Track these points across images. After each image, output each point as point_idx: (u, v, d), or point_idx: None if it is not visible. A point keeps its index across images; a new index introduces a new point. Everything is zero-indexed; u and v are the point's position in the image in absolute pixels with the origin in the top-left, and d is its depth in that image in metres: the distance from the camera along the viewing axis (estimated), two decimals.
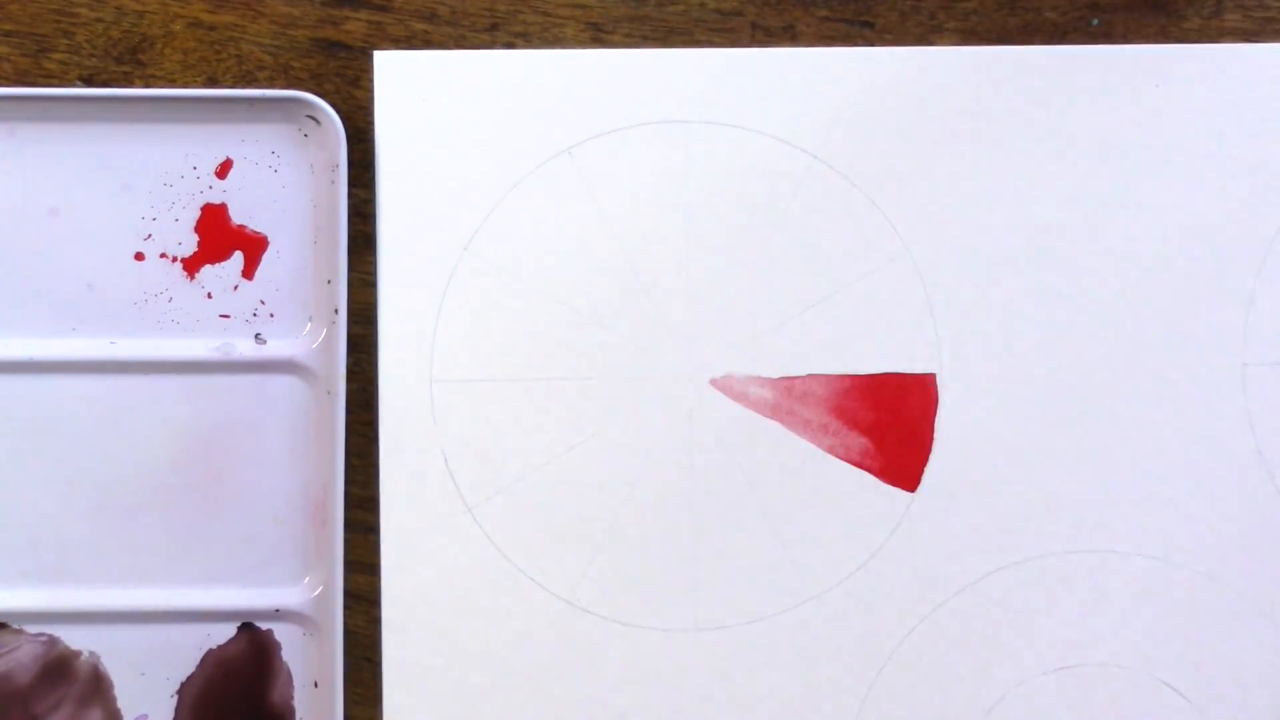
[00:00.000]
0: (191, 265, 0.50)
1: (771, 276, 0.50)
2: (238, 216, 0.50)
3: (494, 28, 0.50)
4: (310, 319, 0.50)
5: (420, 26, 0.50)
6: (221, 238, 0.50)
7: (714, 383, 0.50)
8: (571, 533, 0.50)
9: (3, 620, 0.50)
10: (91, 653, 0.50)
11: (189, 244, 0.50)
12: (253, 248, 0.50)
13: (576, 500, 0.50)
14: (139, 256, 0.50)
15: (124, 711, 0.50)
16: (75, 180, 0.49)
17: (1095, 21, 0.51)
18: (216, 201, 0.50)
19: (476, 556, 0.50)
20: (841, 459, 0.50)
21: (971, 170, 0.50)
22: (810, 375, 0.50)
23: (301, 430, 0.50)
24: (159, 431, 0.50)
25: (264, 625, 0.50)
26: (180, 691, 0.50)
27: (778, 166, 0.50)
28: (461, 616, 0.50)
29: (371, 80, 0.50)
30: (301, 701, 0.50)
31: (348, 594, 0.49)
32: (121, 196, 0.50)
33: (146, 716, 0.50)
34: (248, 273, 0.50)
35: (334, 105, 0.49)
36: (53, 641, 0.50)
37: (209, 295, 0.50)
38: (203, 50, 0.50)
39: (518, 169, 0.50)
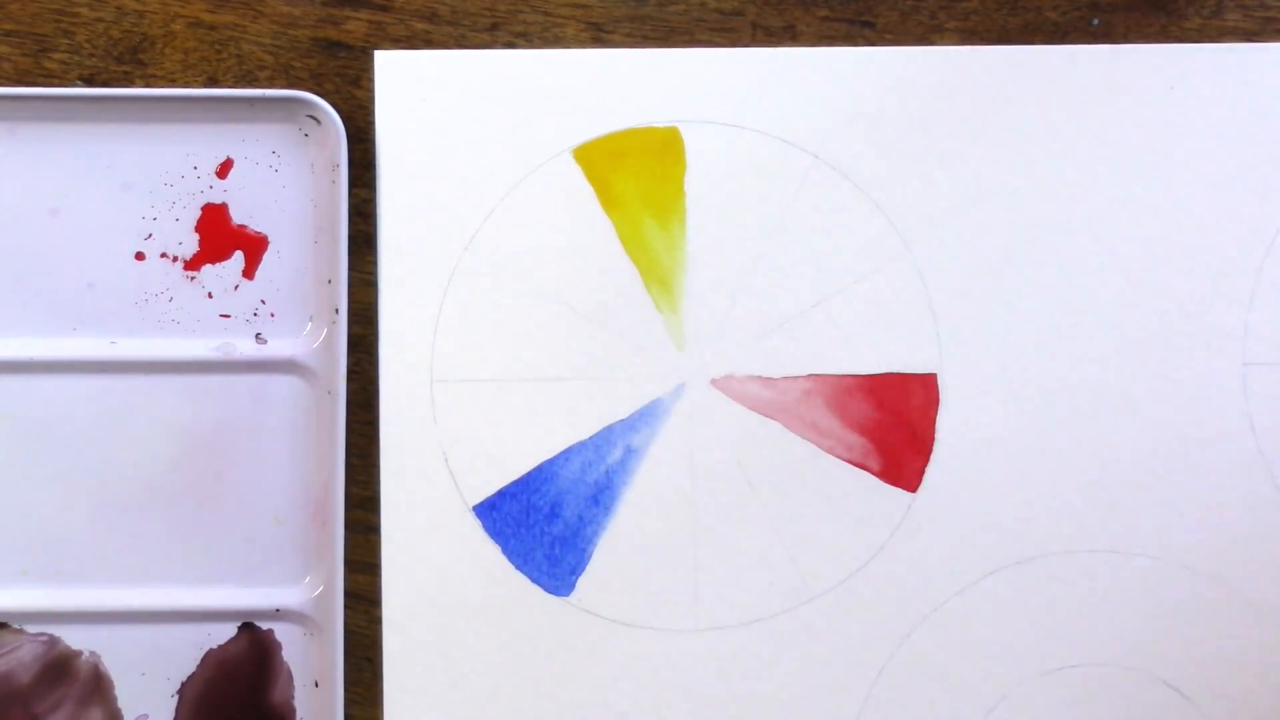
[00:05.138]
0: (192, 265, 0.50)
1: (772, 276, 0.50)
2: (238, 216, 0.50)
3: (494, 28, 0.50)
4: (310, 319, 0.50)
5: (421, 26, 0.50)
6: (222, 237, 0.50)
7: (714, 383, 0.50)
8: (571, 533, 0.50)
9: (3, 620, 0.49)
10: (92, 652, 0.50)
11: (189, 244, 0.50)
12: (253, 247, 0.50)
13: (576, 500, 0.50)
14: (139, 256, 0.50)
15: (124, 711, 0.50)
16: (75, 180, 0.49)
17: (1096, 21, 0.51)
18: (217, 201, 0.50)
19: (476, 556, 0.50)
20: (842, 459, 0.50)
21: (972, 170, 0.50)
22: (810, 375, 0.50)
23: (301, 430, 0.50)
24: (159, 431, 0.50)
25: (264, 625, 0.50)
26: (181, 691, 0.50)
27: (778, 166, 0.50)
28: (461, 616, 0.50)
29: (372, 80, 0.50)
30: (302, 701, 0.50)
31: (348, 594, 0.49)
32: (122, 196, 0.50)
33: (147, 716, 0.50)
34: (248, 272, 0.50)
35: (334, 105, 0.49)
36: (53, 641, 0.50)
37: (209, 295, 0.50)
38: (203, 50, 0.50)
39: (518, 169, 0.50)
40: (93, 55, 0.50)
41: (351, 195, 0.50)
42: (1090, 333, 0.50)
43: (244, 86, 0.50)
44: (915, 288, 0.50)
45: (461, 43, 0.50)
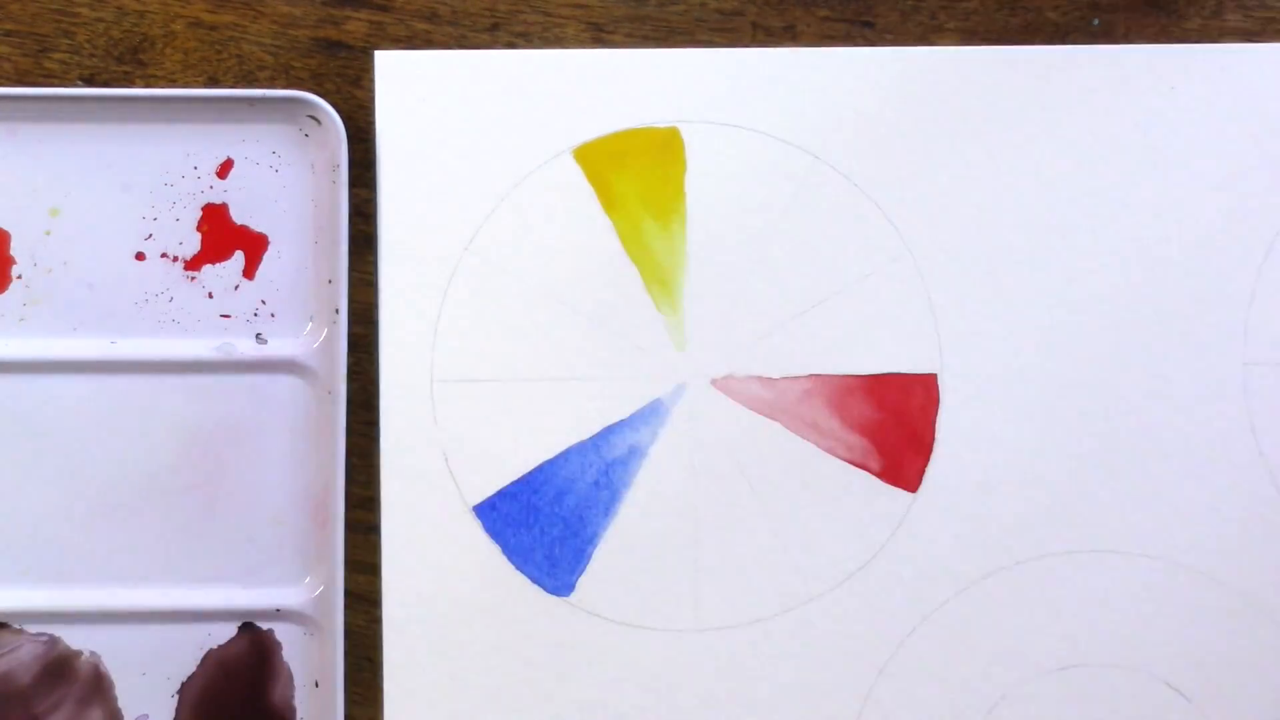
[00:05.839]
0: (192, 265, 0.50)
1: (772, 276, 0.50)
2: (239, 216, 0.50)
3: (495, 28, 0.50)
4: (311, 319, 0.50)
5: (421, 26, 0.50)
6: (222, 237, 0.50)
7: (714, 383, 0.50)
8: (571, 533, 0.50)
9: (3, 620, 0.49)
10: (92, 652, 0.50)
11: (190, 244, 0.50)
12: (253, 247, 0.50)
13: (577, 500, 0.50)
14: (140, 256, 0.50)
15: (125, 711, 0.50)
16: (75, 180, 0.49)
17: (1096, 21, 0.51)
18: (217, 201, 0.50)
19: (476, 556, 0.50)
20: (842, 459, 0.50)
21: (971, 170, 0.50)
22: (811, 375, 0.50)
23: (302, 430, 0.50)
24: (159, 431, 0.50)
25: (264, 625, 0.50)
26: (181, 691, 0.50)
27: (778, 166, 0.50)
28: (461, 616, 0.50)
29: (372, 80, 0.50)
30: (302, 701, 0.50)
31: (348, 594, 0.49)
32: (122, 196, 0.50)
33: (147, 716, 0.50)
34: (248, 272, 0.50)
35: (335, 105, 0.49)
36: (53, 641, 0.50)
37: (210, 295, 0.50)
38: (203, 50, 0.50)
39: (518, 169, 0.50)
40: (93, 55, 0.50)
41: (351, 195, 0.50)
42: (1090, 333, 0.50)
43: (244, 86, 0.50)
44: (915, 288, 0.50)
45: (462, 43, 0.50)
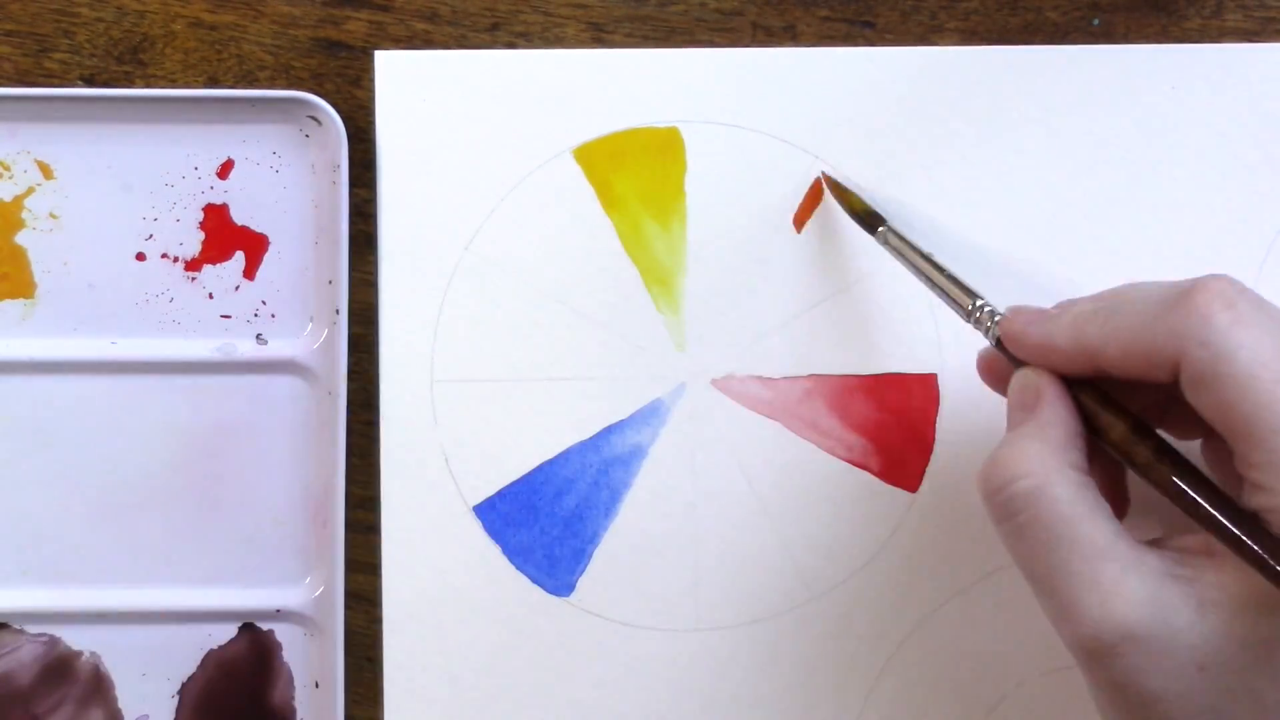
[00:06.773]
0: (193, 265, 0.50)
1: (772, 276, 0.50)
2: (239, 217, 0.50)
3: (495, 27, 0.50)
4: (311, 319, 0.50)
5: (421, 26, 0.50)
6: (223, 238, 0.50)
7: (714, 383, 0.50)
8: (572, 533, 0.50)
9: (3, 620, 0.50)
10: (92, 653, 0.50)
11: (190, 244, 0.50)
12: (254, 248, 0.50)
13: (577, 500, 0.50)
14: (140, 257, 0.50)
15: (125, 712, 0.50)
16: (75, 180, 0.49)
17: (1096, 21, 0.51)
18: (218, 202, 0.50)
19: (476, 556, 0.50)
20: (842, 459, 0.50)
21: (971, 170, 0.50)
22: (811, 375, 0.50)
23: (302, 430, 0.50)
24: (159, 431, 0.50)
25: (265, 625, 0.50)
26: (181, 692, 0.50)
27: (778, 166, 0.50)
28: (461, 617, 0.50)
29: (372, 80, 0.50)
30: (302, 702, 0.50)
31: (348, 594, 0.49)
32: (123, 197, 0.50)
33: (147, 717, 0.50)
34: (249, 273, 0.50)
35: (335, 105, 0.49)
36: (53, 642, 0.50)
37: (210, 295, 0.50)
38: (204, 50, 0.50)
39: (518, 169, 0.50)
40: (93, 55, 0.50)
41: (352, 195, 0.50)
42: None
43: (244, 87, 0.50)
44: (915, 288, 0.50)
45: (462, 43, 0.50)
